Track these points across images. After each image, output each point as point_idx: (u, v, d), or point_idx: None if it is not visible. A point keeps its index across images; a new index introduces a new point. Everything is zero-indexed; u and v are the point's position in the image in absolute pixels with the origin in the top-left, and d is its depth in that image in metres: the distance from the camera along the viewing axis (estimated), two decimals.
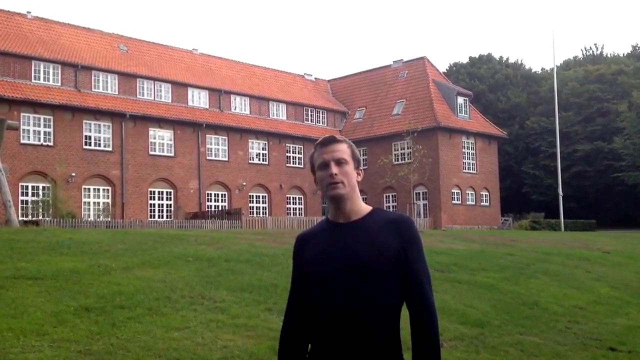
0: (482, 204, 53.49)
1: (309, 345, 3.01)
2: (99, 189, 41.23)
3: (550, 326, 11.16)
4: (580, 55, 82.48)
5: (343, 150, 2.98)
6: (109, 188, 41.70)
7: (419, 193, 50.13)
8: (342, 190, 2.92)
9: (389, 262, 2.83)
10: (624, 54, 78.75)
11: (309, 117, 56.40)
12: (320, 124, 57.00)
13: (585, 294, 14.90)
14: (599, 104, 65.31)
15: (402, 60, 59.31)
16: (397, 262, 2.84)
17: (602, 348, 9.86)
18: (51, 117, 39.35)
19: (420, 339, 2.83)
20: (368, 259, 2.82)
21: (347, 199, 2.94)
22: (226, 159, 48.18)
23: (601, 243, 29.38)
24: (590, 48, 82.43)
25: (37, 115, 38.80)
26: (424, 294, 2.86)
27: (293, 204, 52.22)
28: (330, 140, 3.01)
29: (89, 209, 40.46)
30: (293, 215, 49.77)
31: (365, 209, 3.00)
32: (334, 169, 2.92)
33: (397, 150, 51.72)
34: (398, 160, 50.50)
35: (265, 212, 49.52)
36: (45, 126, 39.05)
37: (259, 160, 50.45)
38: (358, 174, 3.02)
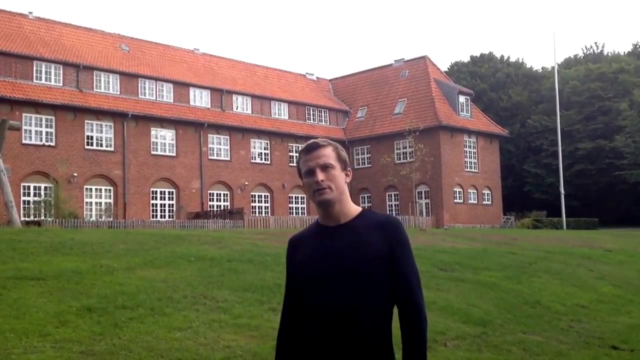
0: (484, 202, 53.46)
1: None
2: (100, 189, 41.24)
3: (552, 325, 11.15)
4: (580, 54, 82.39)
5: (328, 154, 2.98)
6: (111, 188, 41.71)
7: (421, 192, 50.11)
8: (330, 196, 2.94)
9: (378, 264, 2.85)
10: (624, 53, 78.62)
11: (311, 117, 56.37)
12: (323, 123, 56.98)
13: (587, 293, 14.89)
14: (600, 103, 65.23)
15: (403, 59, 59.28)
16: (386, 264, 2.86)
17: (604, 347, 9.85)
18: (53, 117, 39.36)
19: (408, 338, 2.85)
20: (357, 261, 2.84)
21: (335, 202, 2.96)
22: (228, 158, 48.18)
23: (603, 241, 29.36)
24: (591, 47, 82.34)
25: (38, 116, 38.81)
26: (411, 294, 2.88)
27: (295, 204, 52.19)
28: (314, 146, 3.00)
29: (90, 209, 40.46)
30: (296, 214, 49.74)
31: (354, 211, 3.02)
32: (320, 175, 2.94)
33: (399, 149, 51.69)
34: (400, 159, 50.52)
35: (268, 212, 49.51)
36: (47, 126, 39.06)
37: (261, 159, 50.45)
38: (346, 174, 3.04)
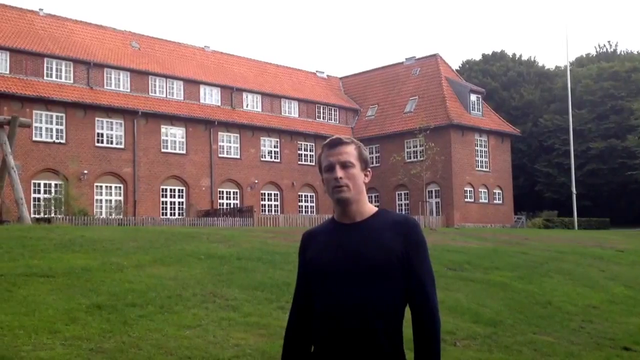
0: (495, 202, 53.28)
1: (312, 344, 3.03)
2: (111, 187, 41.32)
3: (563, 325, 11.09)
4: (593, 53, 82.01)
5: (349, 152, 2.98)
6: (121, 185, 41.78)
7: (432, 191, 49.97)
8: (347, 194, 2.93)
9: (392, 263, 2.83)
10: (638, 52, 78.18)
11: (321, 115, 56.33)
12: (333, 121, 56.95)
13: (599, 293, 14.80)
14: (612, 102, 64.88)
15: (414, 57, 59.15)
16: (400, 264, 2.85)
17: (616, 348, 9.79)
18: (63, 115, 39.45)
19: (421, 339, 2.84)
20: (371, 260, 2.83)
21: (353, 202, 2.96)
22: (238, 156, 48.20)
23: (615, 242, 29.23)
24: (604, 45, 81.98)
25: (49, 113, 38.91)
26: (426, 296, 2.87)
27: (305, 202, 52.16)
28: (337, 143, 3.00)
29: (101, 207, 40.56)
30: (305, 213, 49.74)
31: (370, 210, 3.01)
32: (339, 173, 2.93)
33: (410, 147, 51.56)
34: (410, 158, 50.37)
35: (277, 210, 49.50)
36: (57, 123, 39.16)
37: (271, 157, 50.44)
38: (366, 175, 3.03)
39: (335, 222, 3.03)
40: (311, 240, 3.08)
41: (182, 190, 44.85)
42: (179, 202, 44.53)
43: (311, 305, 2.99)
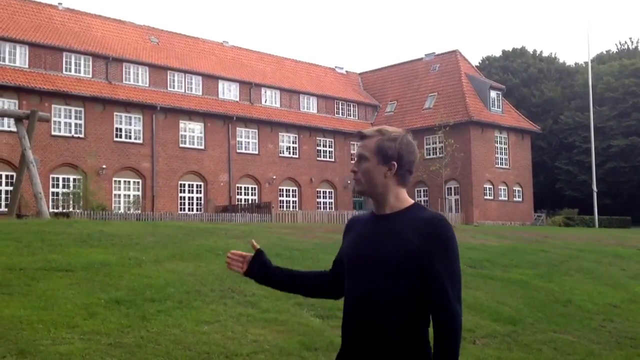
0: (514, 199, 53.05)
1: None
2: (129, 182, 41.49)
3: (584, 324, 10.97)
4: (614, 49, 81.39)
5: (366, 145, 2.99)
6: (140, 180, 41.94)
7: (451, 188, 49.84)
8: (360, 187, 3.01)
9: (409, 260, 2.79)
10: None
11: (340, 111, 56.25)
12: (351, 117, 56.86)
13: (620, 292, 14.65)
14: (634, 99, 64.20)
15: (434, 53, 58.97)
16: (417, 261, 2.79)
17: (637, 347, 9.68)
18: (82, 109, 39.64)
19: (438, 342, 2.78)
20: (386, 253, 2.83)
21: (371, 195, 3.00)
22: (256, 152, 48.23)
23: (636, 240, 28.94)
24: (625, 42, 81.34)
25: (68, 107, 39.11)
26: (444, 297, 2.78)
27: (323, 198, 52.14)
28: (360, 136, 3.07)
29: (119, 202, 40.74)
30: (323, 209, 49.72)
31: (404, 203, 2.97)
32: (354, 166, 3.01)
33: (429, 144, 51.41)
34: (430, 155, 50.24)
35: (295, 206, 49.51)
36: (76, 118, 39.36)
37: (289, 153, 50.44)
38: (389, 168, 2.95)
39: (372, 213, 3.06)
40: (352, 227, 3.12)
41: (200, 185, 44.96)
42: (197, 198, 44.66)
43: (340, 279, 3.08)
